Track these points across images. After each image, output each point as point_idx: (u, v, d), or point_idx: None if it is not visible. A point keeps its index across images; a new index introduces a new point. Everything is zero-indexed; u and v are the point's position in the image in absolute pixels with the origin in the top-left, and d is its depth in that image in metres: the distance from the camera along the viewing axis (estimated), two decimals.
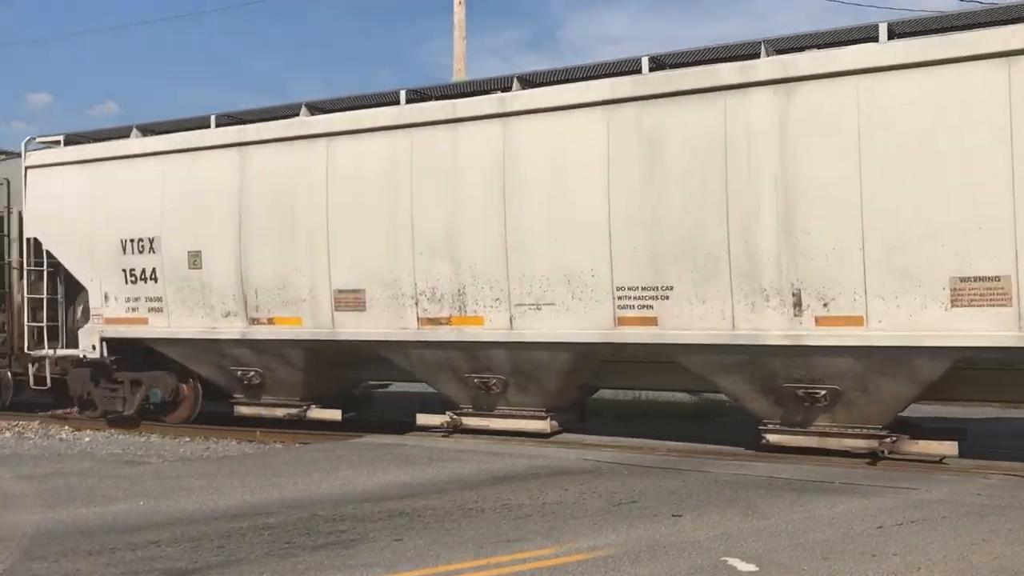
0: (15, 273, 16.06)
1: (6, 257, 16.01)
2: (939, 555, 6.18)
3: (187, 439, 13.47)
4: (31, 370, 14.99)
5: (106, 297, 13.85)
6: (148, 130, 13.86)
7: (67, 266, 14.42)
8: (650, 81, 10.06)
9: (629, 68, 10.43)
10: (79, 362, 14.65)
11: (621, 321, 10.21)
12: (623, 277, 10.15)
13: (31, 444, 13.43)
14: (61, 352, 14.67)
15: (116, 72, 66.76)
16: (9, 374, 16.10)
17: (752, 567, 6.01)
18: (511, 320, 10.85)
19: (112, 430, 14.39)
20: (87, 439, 13.82)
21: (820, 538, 6.66)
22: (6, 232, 16.02)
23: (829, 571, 5.93)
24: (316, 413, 13.16)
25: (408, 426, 12.37)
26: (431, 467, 9.99)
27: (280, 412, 13.22)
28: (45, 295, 14.62)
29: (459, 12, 17.50)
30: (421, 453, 10.90)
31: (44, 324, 14.54)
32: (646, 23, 61.85)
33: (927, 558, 6.12)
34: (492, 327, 10.97)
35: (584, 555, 6.36)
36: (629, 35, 60.22)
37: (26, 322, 14.86)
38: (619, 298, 10.18)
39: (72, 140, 14.55)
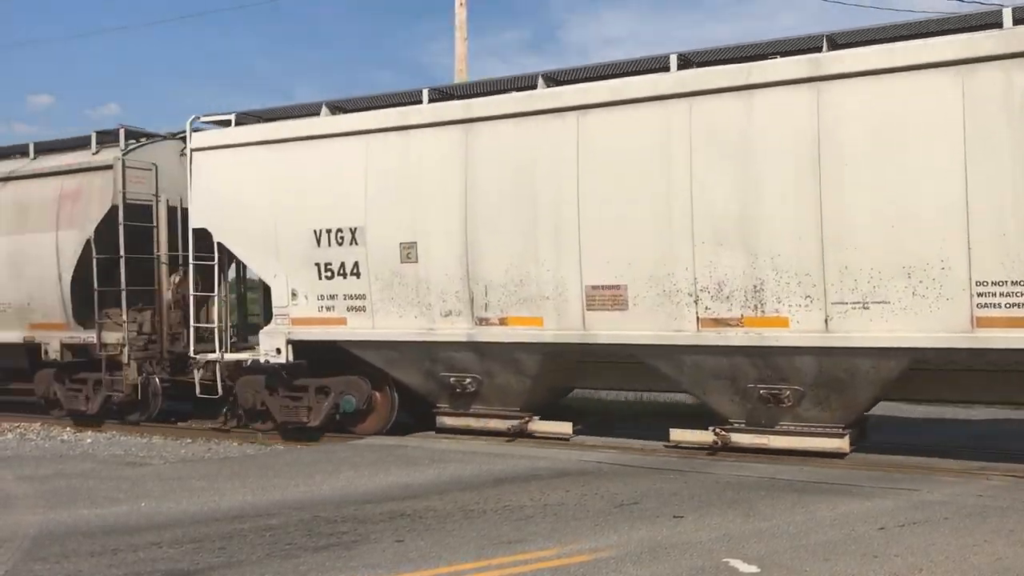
0: (164, 268, 14.63)
1: (155, 250, 14.56)
2: (940, 556, 6.18)
3: (188, 440, 13.20)
4: (197, 376, 13.45)
5: (294, 295, 12.30)
6: (338, 108, 12.31)
7: (244, 260, 12.95)
8: (1022, 36, 8.42)
9: (980, 23, 8.82)
10: (239, 367, 13.18)
11: (981, 322, 8.59)
12: (985, 270, 8.53)
13: (33, 445, 13.20)
14: (230, 356, 13.17)
15: (116, 73, 65.72)
16: (157, 380, 14.61)
17: (754, 568, 6.02)
18: (827, 321, 9.23)
19: (114, 431, 14.04)
20: (88, 440, 13.56)
21: (822, 539, 6.67)
22: (155, 223, 14.54)
23: (831, 572, 5.92)
24: (540, 425, 11.60)
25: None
26: (433, 468, 9.89)
27: (499, 424, 11.62)
28: (216, 293, 13.15)
29: (460, 13, 17.02)
30: (423, 454, 10.79)
31: (216, 325, 13.06)
32: (647, 24, 60.41)
33: (929, 559, 6.12)
34: (800, 329, 9.36)
35: (586, 556, 6.39)
36: (630, 36, 58.68)
37: (192, 322, 13.37)
38: (979, 294, 8.57)
39: (243, 120, 13.04)
